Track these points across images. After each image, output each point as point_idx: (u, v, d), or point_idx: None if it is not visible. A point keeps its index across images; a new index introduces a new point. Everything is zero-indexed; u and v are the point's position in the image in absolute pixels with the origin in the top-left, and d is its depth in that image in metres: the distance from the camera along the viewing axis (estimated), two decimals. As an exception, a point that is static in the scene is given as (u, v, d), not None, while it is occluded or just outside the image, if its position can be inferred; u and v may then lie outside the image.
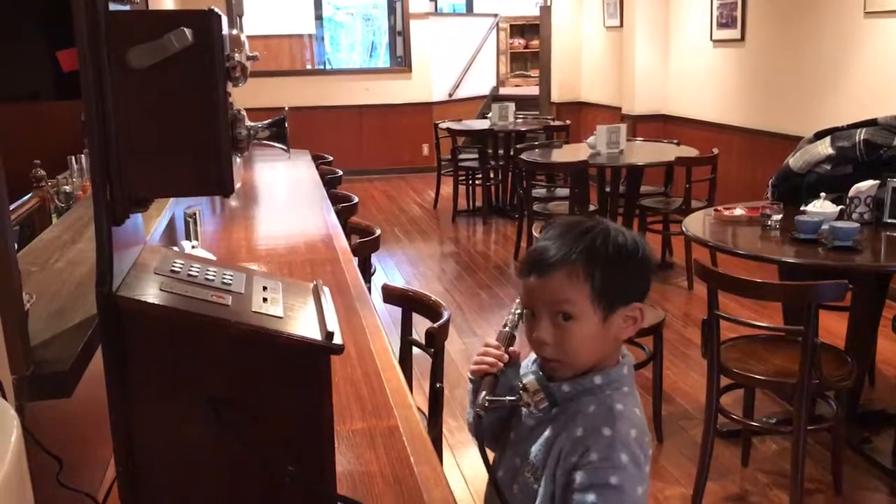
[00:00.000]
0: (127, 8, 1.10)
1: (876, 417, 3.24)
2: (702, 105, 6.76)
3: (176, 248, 2.37)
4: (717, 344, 2.68)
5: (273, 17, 10.29)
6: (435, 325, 2.03)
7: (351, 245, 3.02)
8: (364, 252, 3.03)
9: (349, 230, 3.36)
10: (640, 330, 3.24)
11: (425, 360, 2.10)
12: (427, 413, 2.08)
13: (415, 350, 2.24)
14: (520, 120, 7.52)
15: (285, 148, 1.13)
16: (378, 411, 1.66)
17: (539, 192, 6.12)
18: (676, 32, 7.16)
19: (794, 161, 3.40)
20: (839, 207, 3.04)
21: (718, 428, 2.86)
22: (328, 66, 11.08)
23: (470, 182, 7.52)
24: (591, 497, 1.08)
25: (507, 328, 1.24)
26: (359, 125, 9.43)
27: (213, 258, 2.21)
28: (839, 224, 2.85)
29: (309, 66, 10.68)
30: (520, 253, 5.90)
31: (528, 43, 12.13)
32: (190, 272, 1.16)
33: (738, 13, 6.11)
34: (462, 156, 7.42)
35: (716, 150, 5.21)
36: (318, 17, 10.63)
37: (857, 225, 2.86)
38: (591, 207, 5.54)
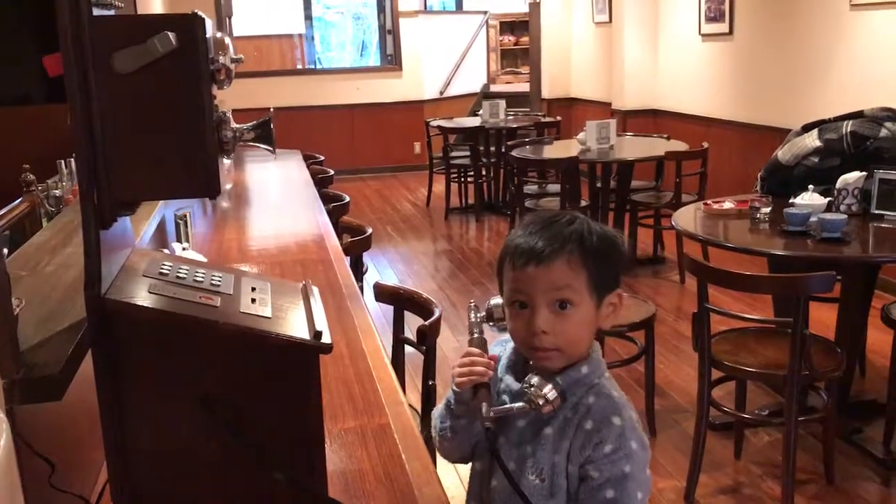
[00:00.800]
0: (111, 13, 1.10)
1: (867, 407, 3.26)
2: (691, 99, 6.78)
3: (166, 251, 2.38)
4: (707, 337, 2.70)
5: (262, 17, 10.29)
6: (426, 322, 2.04)
7: (342, 244, 3.02)
8: (355, 251, 3.04)
9: (341, 229, 3.36)
10: (632, 324, 3.23)
11: (419, 358, 2.11)
12: (420, 411, 2.09)
13: (408, 348, 2.24)
14: (511, 117, 7.53)
15: (271, 149, 1.14)
16: (370, 410, 1.67)
17: (531, 188, 6.14)
18: (665, 27, 7.18)
19: (783, 154, 3.42)
20: (827, 199, 3.06)
21: (711, 421, 2.88)
22: (319, 66, 11.07)
23: (462, 179, 7.53)
24: (609, 493, 1.09)
25: (476, 334, 1.21)
26: (350, 124, 9.43)
27: (204, 260, 2.22)
28: (827, 216, 2.87)
29: (299, 66, 10.67)
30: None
31: (518, 40, 12.14)
32: (179, 274, 1.17)
33: (727, 7, 6.13)
34: (454, 153, 7.43)
35: (705, 144, 5.23)
36: (308, 17, 10.61)
37: (845, 216, 2.88)
38: (583, 203, 5.55)
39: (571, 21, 8.89)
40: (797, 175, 3.30)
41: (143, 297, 1.06)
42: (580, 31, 8.71)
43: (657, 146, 5.51)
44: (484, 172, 7.34)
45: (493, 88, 11.10)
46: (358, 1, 11.86)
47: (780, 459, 2.67)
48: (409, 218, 7.42)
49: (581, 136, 5.52)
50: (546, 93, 9.07)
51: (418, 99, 9.67)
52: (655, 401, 3.29)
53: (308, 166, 4.85)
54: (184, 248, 2.58)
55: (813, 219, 2.90)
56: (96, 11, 0.99)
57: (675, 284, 5.13)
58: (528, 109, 8.84)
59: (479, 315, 1.22)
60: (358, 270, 2.99)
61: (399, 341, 2.25)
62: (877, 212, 3.04)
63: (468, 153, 7.31)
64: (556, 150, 5.94)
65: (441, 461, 1.44)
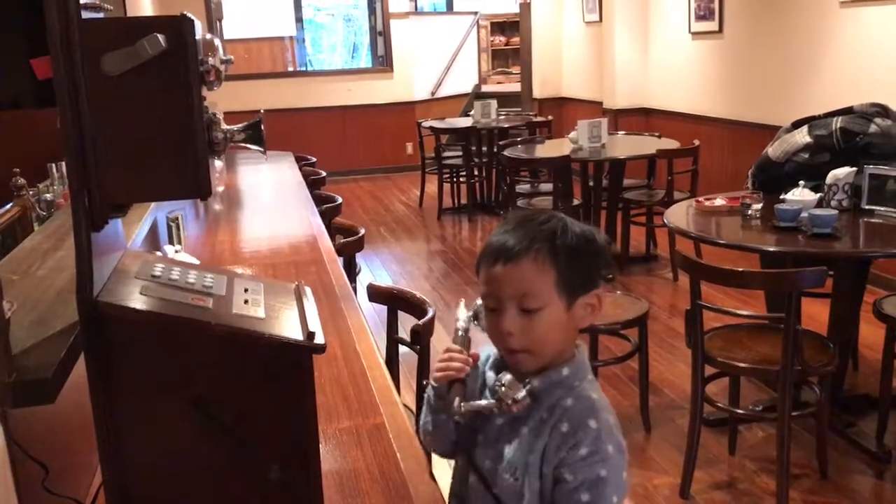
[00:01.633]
0: (101, 15, 1.10)
1: (860, 402, 3.27)
2: (682, 97, 6.80)
3: (159, 253, 2.37)
4: (701, 334, 2.71)
5: (253, 20, 10.27)
6: (420, 322, 2.04)
7: (335, 245, 3.02)
8: (348, 252, 3.04)
9: (333, 230, 3.36)
10: (625, 322, 3.22)
11: (413, 358, 2.11)
12: (414, 410, 2.09)
13: (402, 348, 2.24)
14: (502, 117, 7.55)
15: (262, 150, 1.14)
16: (364, 410, 1.67)
17: (523, 187, 6.14)
18: (655, 26, 7.20)
19: (773, 150, 3.43)
20: (818, 195, 3.07)
21: (705, 417, 2.89)
22: (310, 68, 11.07)
23: (454, 180, 7.53)
24: (585, 496, 1.08)
25: (461, 332, 1.22)
26: (342, 126, 9.42)
27: (197, 262, 2.21)
28: (818, 211, 2.89)
29: (291, 68, 10.66)
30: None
31: (509, 40, 12.16)
32: (171, 276, 1.17)
33: (716, 5, 6.15)
34: (446, 154, 7.43)
35: (696, 142, 5.24)
36: (299, 19, 10.60)
37: (835, 212, 2.89)
38: (575, 202, 5.56)
39: (562, 21, 8.91)
40: (788, 171, 3.32)
41: (135, 300, 1.06)
42: (571, 30, 8.73)
43: (648, 144, 5.52)
44: (476, 172, 7.34)
45: (485, 89, 11.11)
46: (348, 3, 11.85)
47: (774, 454, 2.68)
48: (402, 218, 7.42)
49: (573, 135, 5.53)
50: (537, 92, 9.08)
51: (410, 100, 9.67)
52: (650, 398, 3.30)
53: (300, 168, 4.85)
54: (176, 251, 2.58)
55: (804, 214, 2.91)
56: (85, 14, 0.99)
57: (667, 282, 5.14)
58: (519, 109, 8.85)
59: (466, 314, 1.23)
60: (351, 271, 2.99)
61: (393, 341, 2.25)
62: (867, 207, 3.05)
63: (460, 153, 7.32)
64: (548, 149, 5.95)
65: (436, 459, 1.44)
